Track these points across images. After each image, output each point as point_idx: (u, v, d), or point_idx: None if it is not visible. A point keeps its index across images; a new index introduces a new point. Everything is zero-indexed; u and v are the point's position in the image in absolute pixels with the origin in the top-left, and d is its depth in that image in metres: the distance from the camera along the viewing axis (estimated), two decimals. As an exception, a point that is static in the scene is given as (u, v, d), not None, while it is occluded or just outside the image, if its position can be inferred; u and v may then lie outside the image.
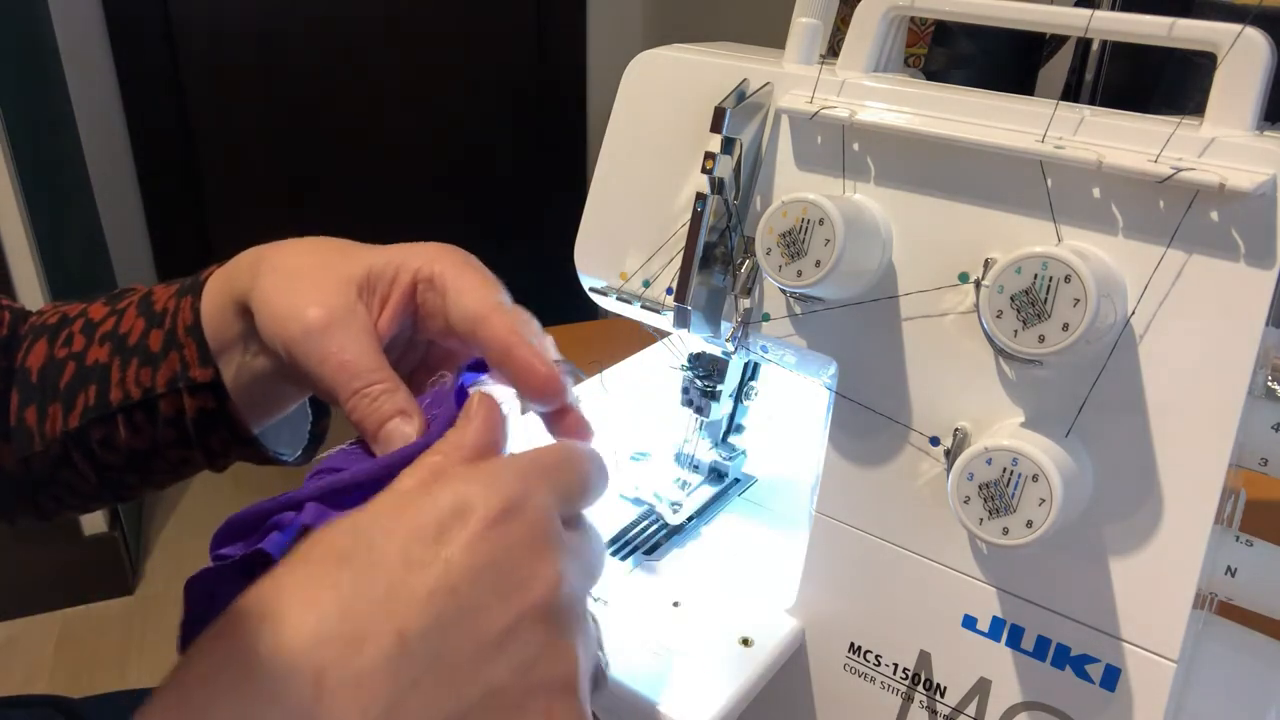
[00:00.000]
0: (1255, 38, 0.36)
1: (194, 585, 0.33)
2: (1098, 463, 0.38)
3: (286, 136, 2.19)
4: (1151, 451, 0.37)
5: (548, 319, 0.41)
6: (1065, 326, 0.34)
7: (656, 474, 0.58)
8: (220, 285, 0.43)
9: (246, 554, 0.32)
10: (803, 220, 0.39)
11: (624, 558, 0.51)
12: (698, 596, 0.49)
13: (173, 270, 2.17)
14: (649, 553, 0.52)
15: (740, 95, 0.44)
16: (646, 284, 0.49)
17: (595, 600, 0.48)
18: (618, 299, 0.50)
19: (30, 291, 1.43)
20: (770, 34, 0.51)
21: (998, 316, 0.36)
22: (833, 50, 0.46)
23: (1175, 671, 0.38)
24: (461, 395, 0.36)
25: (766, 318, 0.45)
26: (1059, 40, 0.94)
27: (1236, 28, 0.36)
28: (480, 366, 0.39)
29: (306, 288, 0.38)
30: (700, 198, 0.44)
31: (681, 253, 0.45)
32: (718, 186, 0.43)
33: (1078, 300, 0.34)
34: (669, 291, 0.47)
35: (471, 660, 0.28)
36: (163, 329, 0.44)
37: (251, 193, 2.21)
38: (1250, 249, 0.35)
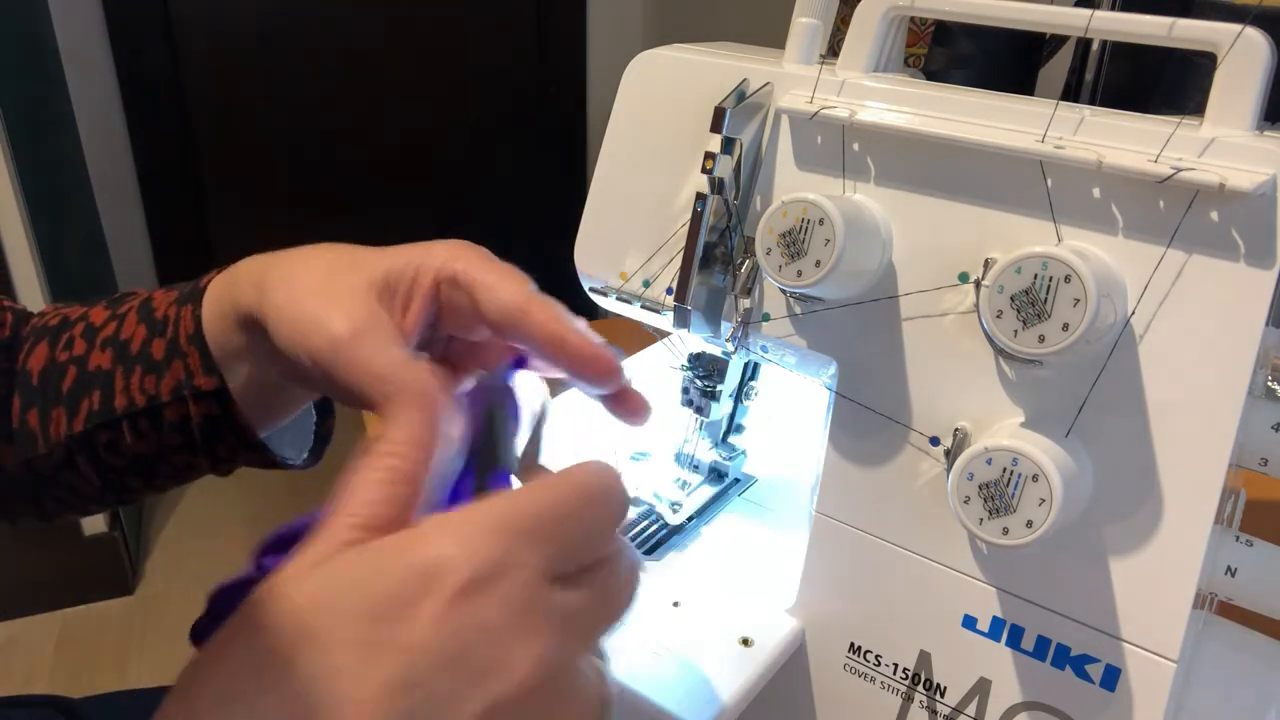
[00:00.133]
0: (1255, 38, 0.36)
1: (220, 594, 0.32)
2: (1098, 463, 0.38)
3: (286, 136, 2.20)
4: (1151, 451, 0.37)
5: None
6: (1065, 326, 0.34)
7: (656, 474, 0.58)
8: (221, 294, 0.43)
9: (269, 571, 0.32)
10: (803, 220, 0.39)
11: (624, 558, 0.51)
12: (698, 596, 0.49)
13: (173, 270, 2.18)
14: (649, 553, 0.52)
15: (740, 95, 0.44)
16: (646, 284, 0.49)
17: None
18: (618, 299, 0.50)
19: (30, 292, 1.43)
20: (770, 34, 0.51)
21: (998, 316, 0.36)
22: (833, 50, 0.46)
23: (1175, 671, 0.38)
24: (505, 392, 0.36)
25: (766, 318, 0.45)
26: (1059, 40, 0.94)
27: (1236, 28, 0.36)
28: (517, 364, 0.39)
29: (325, 300, 0.37)
30: (700, 198, 0.44)
31: (681, 253, 0.45)
32: (718, 186, 0.43)
33: (1078, 300, 0.34)
34: (669, 291, 0.47)
35: None
36: (164, 338, 0.44)
37: (251, 192, 2.21)
38: (1250, 249, 0.35)
